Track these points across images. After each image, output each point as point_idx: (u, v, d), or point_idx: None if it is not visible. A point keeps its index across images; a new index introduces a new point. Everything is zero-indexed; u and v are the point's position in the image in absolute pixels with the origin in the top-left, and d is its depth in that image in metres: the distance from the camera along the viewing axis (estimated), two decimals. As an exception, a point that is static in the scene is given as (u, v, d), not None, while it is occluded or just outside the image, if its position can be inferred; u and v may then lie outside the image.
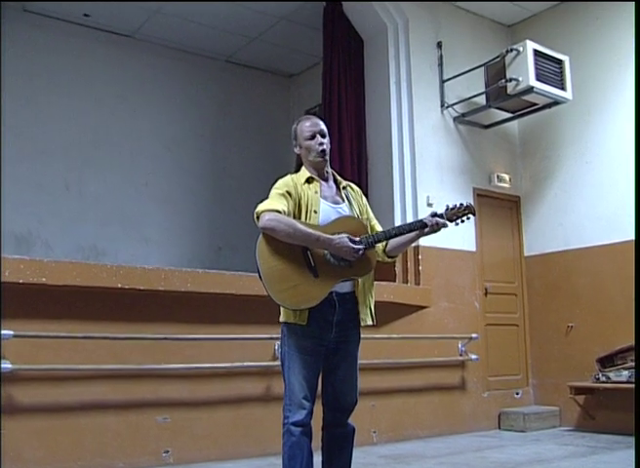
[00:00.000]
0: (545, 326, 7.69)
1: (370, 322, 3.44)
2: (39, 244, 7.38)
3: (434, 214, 3.46)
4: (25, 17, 7.68)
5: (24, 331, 4.69)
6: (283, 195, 3.38)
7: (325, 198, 3.47)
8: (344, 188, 3.60)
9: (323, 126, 3.57)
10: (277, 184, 3.47)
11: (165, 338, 5.29)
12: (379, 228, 3.62)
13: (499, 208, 7.93)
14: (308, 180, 3.48)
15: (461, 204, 3.52)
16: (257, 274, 3.22)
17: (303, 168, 3.58)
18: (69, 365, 4.89)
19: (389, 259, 3.60)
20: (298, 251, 3.26)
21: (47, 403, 4.81)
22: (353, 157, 7.26)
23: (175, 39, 8.57)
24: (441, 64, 7.62)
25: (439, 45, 7.65)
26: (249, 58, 9.21)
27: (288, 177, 3.51)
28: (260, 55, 9.08)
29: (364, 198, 3.71)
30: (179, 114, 8.70)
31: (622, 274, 6.98)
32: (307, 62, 9.22)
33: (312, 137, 3.51)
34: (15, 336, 4.61)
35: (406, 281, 7.01)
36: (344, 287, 3.35)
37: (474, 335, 7.11)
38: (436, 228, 3.41)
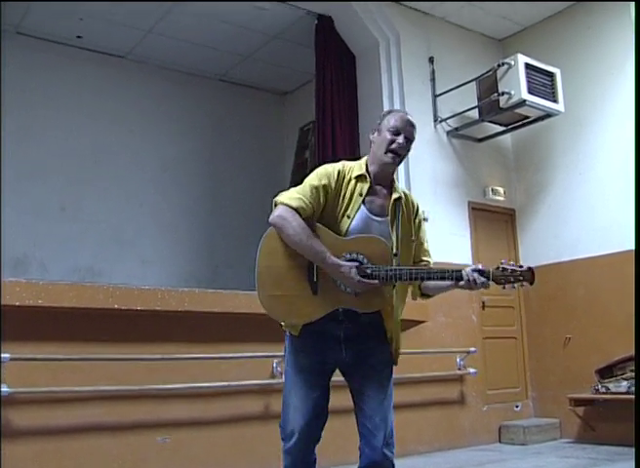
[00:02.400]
0: (543, 338, 7.67)
1: (394, 361, 3.03)
2: (35, 265, 7.36)
3: (477, 270, 2.90)
4: (18, 39, 7.69)
5: (21, 353, 4.66)
6: (317, 188, 2.94)
7: (368, 203, 3.00)
8: (397, 200, 3.06)
9: (414, 133, 3.09)
10: (319, 170, 3.03)
11: (162, 358, 5.25)
12: (428, 258, 3.18)
13: (494, 221, 7.93)
14: (360, 178, 3.02)
15: (520, 266, 2.92)
16: (255, 293, 2.91)
17: (364, 160, 3.12)
18: (66, 387, 4.85)
19: (423, 297, 3.17)
20: (305, 259, 2.88)
21: (45, 425, 4.77)
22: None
23: (168, 59, 8.59)
24: (433, 79, 7.64)
25: (431, 60, 7.68)
26: (242, 77, 9.22)
27: (338, 166, 3.05)
28: (254, 73, 9.09)
29: (420, 216, 3.18)
30: (173, 134, 8.70)
31: (618, 285, 6.97)
32: (300, 79, 9.23)
33: (397, 133, 3.02)
34: (11, 360, 4.57)
35: (403, 296, 6.95)
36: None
37: (472, 349, 7.09)
38: (473, 287, 2.88)
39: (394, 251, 2.97)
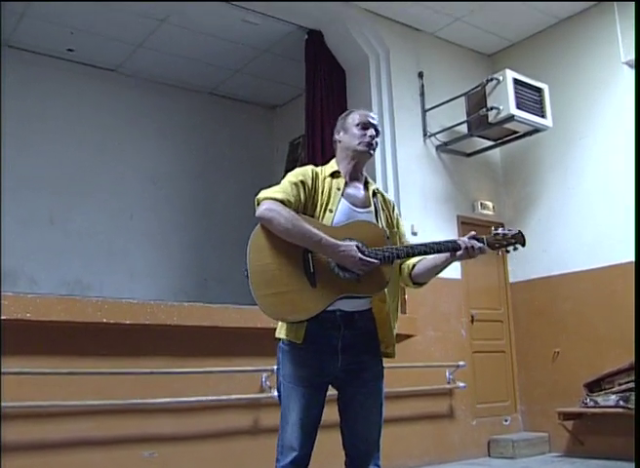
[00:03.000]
0: (532, 352, 7.66)
1: (392, 352, 3.00)
2: (24, 279, 7.32)
3: (472, 237, 2.95)
4: (9, 52, 7.68)
5: (8, 367, 4.61)
6: (295, 184, 2.95)
7: (347, 197, 3.02)
8: (375, 195, 3.13)
9: (378, 126, 3.18)
10: (293, 171, 3.06)
11: (151, 373, 5.20)
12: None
13: (483, 235, 7.87)
14: (334, 175, 3.07)
15: (508, 231, 3.00)
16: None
17: (334, 160, 3.17)
18: (54, 401, 4.81)
19: (414, 286, 3.12)
20: (298, 251, 2.81)
21: (33, 440, 4.73)
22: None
23: (158, 73, 8.60)
24: (423, 94, 7.64)
25: (420, 75, 7.69)
26: (232, 91, 9.24)
27: (309, 167, 3.08)
28: (244, 87, 9.10)
29: (396, 211, 3.23)
30: (163, 147, 8.70)
31: (607, 299, 6.99)
32: (291, 94, 9.24)
33: (365, 127, 3.10)
34: (-1, 374, 4.55)
35: (392, 310, 6.94)
36: (354, 303, 2.89)
37: (461, 363, 7.06)
38: (472, 253, 2.90)
39: (386, 233, 2.99)
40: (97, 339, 5.10)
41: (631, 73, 7.12)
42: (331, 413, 3.03)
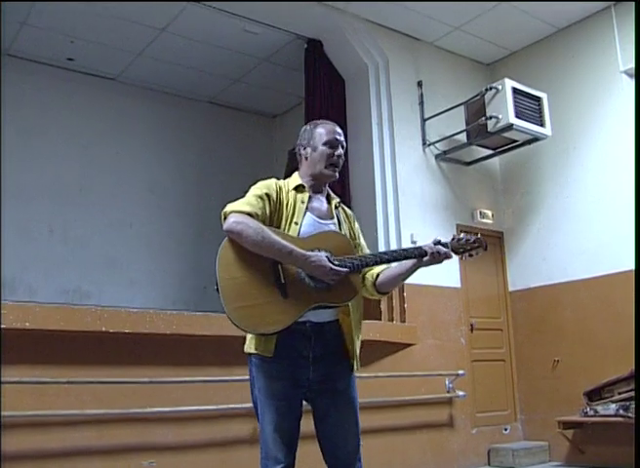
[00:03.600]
0: (532, 360, 7.63)
1: (356, 367, 3.01)
2: (23, 288, 7.30)
3: (437, 242, 3.00)
4: (9, 61, 7.67)
5: (7, 377, 4.59)
6: (260, 197, 2.95)
7: (312, 210, 3.05)
8: (337, 207, 3.18)
9: (344, 142, 3.18)
10: (258, 184, 3.06)
11: (150, 382, 5.18)
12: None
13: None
14: (298, 188, 3.08)
15: (470, 237, 3.07)
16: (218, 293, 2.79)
17: (296, 174, 3.18)
18: (53, 410, 4.78)
19: (378, 295, 3.14)
20: (267, 263, 2.81)
21: (31, 450, 4.69)
22: (336, 195, 7.21)
23: (158, 81, 8.61)
24: (422, 103, 7.64)
25: (419, 84, 7.69)
26: (232, 100, 9.25)
27: (272, 180, 3.09)
28: (244, 96, 9.12)
29: (357, 224, 3.29)
30: (162, 156, 8.69)
31: (606, 307, 6.98)
32: (290, 103, 9.26)
33: (332, 146, 3.10)
34: (-2, 383, 4.53)
35: (392, 319, 6.95)
36: (322, 315, 2.90)
37: (461, 372, 7.04)
38: (437, 258, 2.97)
39: (352, 242, 3.05)
40: (96, 348, 5.08)
41: (630, 82, 7.13)
42: (312, 424, 3.03)
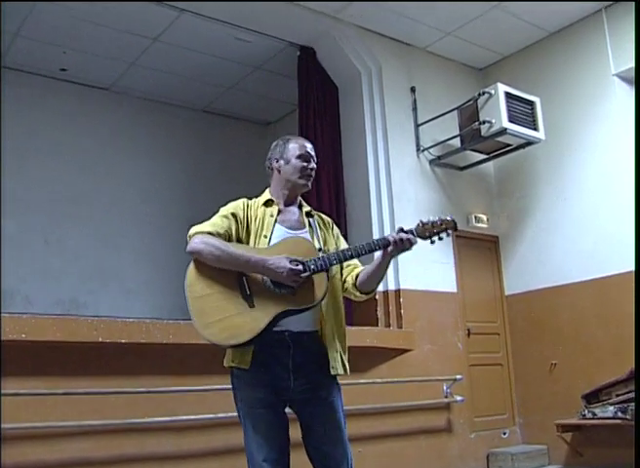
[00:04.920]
0: (529, 364, 7.63)
1: (341, 371, 3.01)
2: (19, 299, 7.28)
3: (400, 230, 3.02)
4: (2, 73, 7.66)
5: (4, 388, 4.56)
6: (225, 217, 3.08)
7: (282, 222, 3.12)
8: (310, 216, 3.25)
9: (314, 157, 3.27)
10: (226, 207, 3.18)
11: (148, 392, 5.17)
12: (355, 262, 3.20)
13: (478, 248, 7.93)
14: (267, 203, 3.18)
15: (439, 217, 3.09)
16: None
17: (267, 191, 3.28)
18: (51, 422, 4.76)
19: (363, 295, 3.15)
20: (232, 277, 2.89)
21: (29, 462, 4.66)
22: (331, 202, 7.23)
23: (151, 91, 8.61)
24: (415, 109, 7.65)
25: (412, 90, 7.70)
26: (225, 108, 9.25)
27: (240, 200, 3.21)
28: (237, 104, 9.13)
29: (336, 229, 3.34)
30: (156, 165, 8.69)
31: (603, 310, 6.98)
32: (284, 110, 9.27)
33: (305, 160, 3.19)
34: (-5, 395, 4.50)
35: (388, 324, 6.93)
36: (301, 324, 2.93)
37: (459, 377, 7.02)
38: (401, 246, 2.96)
39: (318, 246, 3.07)
40: (93, 359, 5.07)
41: (622, 85, 7.15)
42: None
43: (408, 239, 2.97)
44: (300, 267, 2.87)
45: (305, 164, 3.19)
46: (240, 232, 3.07)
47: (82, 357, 5.02)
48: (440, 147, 7.66)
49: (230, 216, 3.09)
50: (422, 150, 7.60)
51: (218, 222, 3.06)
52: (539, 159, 7.70)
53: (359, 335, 6.24)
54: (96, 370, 5.07)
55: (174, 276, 8.32)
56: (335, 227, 3.34)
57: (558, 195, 7.57)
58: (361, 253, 2.98)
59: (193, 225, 3.12)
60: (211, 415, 5.41)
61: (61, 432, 4.82)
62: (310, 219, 3.23)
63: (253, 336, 2.82)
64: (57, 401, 4.83)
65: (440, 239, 3.08)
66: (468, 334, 7.56)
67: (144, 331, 5.21)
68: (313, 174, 3.23)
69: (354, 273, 3.18)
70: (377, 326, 6.88)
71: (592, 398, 6.76)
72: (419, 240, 3.05)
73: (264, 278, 2.89)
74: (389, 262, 3.06)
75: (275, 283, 2.88)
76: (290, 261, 2.87)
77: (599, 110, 7.24)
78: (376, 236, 7.03)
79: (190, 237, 3.02)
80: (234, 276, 2.89)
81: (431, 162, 7.67)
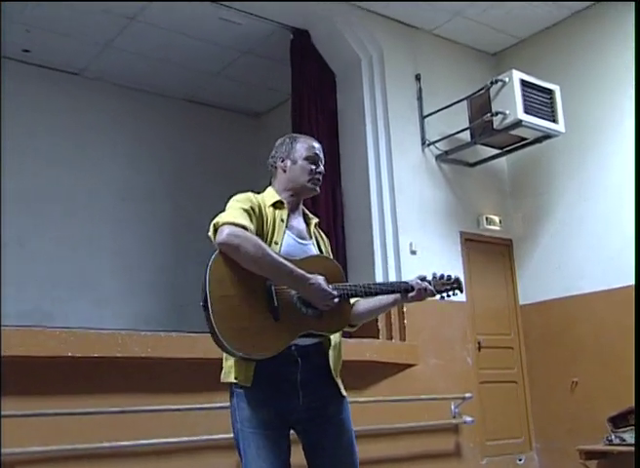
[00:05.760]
0: (547, 382, 7.59)
1: (344, 392, 3.06)
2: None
3: (423, 278, 3.14)
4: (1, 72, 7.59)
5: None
6: (246, 211, 2.98)
7: (291, 229, 3.13)
8: (315, 225, 3.31)
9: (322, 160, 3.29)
10: (239, 197, 3.10)
11: (122, 411, 5.10)
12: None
13: (489, 253, 7.91)
14: (276, 205, 3.14)
15: (449, 276, 3.24)
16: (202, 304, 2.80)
17: (271, 189, 3.25)
18: (11, 448, 4.61)
19: (350, 328, 3.24)
20: (260, 283, 2.86)
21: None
22: (327, 201, 7.21)
23: (128, 77, 8.57)
24: (420, 98, 7.65)
25: (417, 77, 7.70)
26: (211, 97, 9.25)
27: (251, 194, 3.15)
28: (223, 92, 9.12)
29: (329, 248, 3.37)
30: (134, 160, 8.67)
31: (629, 321, 6.82)
32: (275, 100, 9.27)
33: (314, 162, 3.21)
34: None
35: (390, 337, 6.92)
36: (306, 338, 2.96)
37: (468, 395, 6.97)
38: (424, 295, 3.10)
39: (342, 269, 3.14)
40: (60, 376, 4.99)
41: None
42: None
43: (431, 291, 3.13)
44: (336, 292, 2.92)
45: (314, 167, 3.21)
46: (256, 231, 2.99)
47: (48, 374, 4.93)
48: (447, 141, 7.66)
49: (250, 211, 3.01)
50: (428, 144, 7.61)
51: (245, 215, 2.96)
52: (557, 154, 7.67)
53: (358, 349, 6.21)
54: (63, 388, 4.98)
55: (153, 283, 8.41)
56: (329, 246, 3.38)
57: (579, 194, 7.54)
58: (383, 291, 3.13)
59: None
60: (194, 438, 5.38)
61: (23, 459, 4.71)
62: (314, 231, 3.29)
63: (272, 355, 2.82)
64: (19, 424, 4.71)
65: (448, 296, 3.24)
66: (479, 348, 7.53)
67: (120, 344, 5.17)
68: (321, 178, 3.25)
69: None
70: (377, 338, 6.86)
71: (620, 421, 6.67)
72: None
73: (293, 293, 2.90)
74: (396, 305, 3.26)
75: (303, 301, 2.91)
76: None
77: (626, 100, 7.19)
78: (376, 239, 7.14)
79: (217, 226, 2.90)
80: (262, 282, 2.87)
81: (438, 157, 7.67)
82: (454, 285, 3.22)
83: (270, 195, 3.19)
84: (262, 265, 2.82)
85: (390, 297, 3.15)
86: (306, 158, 3.20)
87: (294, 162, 3.20)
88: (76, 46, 7.82)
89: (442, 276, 3.21)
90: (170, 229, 8.70)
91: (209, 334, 2.78)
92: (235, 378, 2.94)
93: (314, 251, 3.15)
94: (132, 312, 8.10)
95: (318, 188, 3.24)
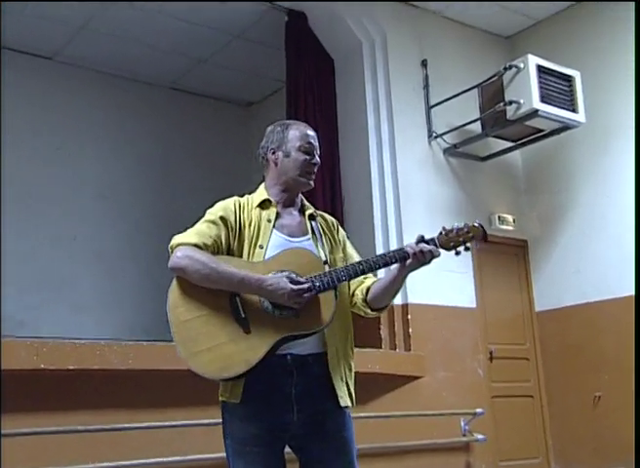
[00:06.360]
0: (567, 396, 7.57)
1: (347, 401, 3.03)
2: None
3: (421, 240, 3.01)
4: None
5: None
6: (213, 222, 3.03)
7: (280, 228, 3.11)
8: (312, 218, 3.24)
9: (318, 148, 3.26)
10: (212, 208, 3.15)
11: (101, 429, 5.08)
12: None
13: (502, 255, 7.93)
14: (263, 204, 3.15)
15: (464, 223, 3.08)
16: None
17: (262, 187, 3.26)
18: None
19: (373, 313, 3.19)
20: (224, 297, 2.88)
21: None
22: (325, 199, 7.22)
23: (106, 62, 8.57)
24: (427, 86, 7.67)
25: (424, 63, 7.72)
26: (198, 85, 9.27)
27: (231, 200, 3.17)
28: (212, 80, 9.15)
29: (341, 232, 3.35)
30: (115, 154, 8.67)
31: (656, 330, 6.91)
32: (268, 88, 9.32)
33: (308, 152, 3.17)
34: None
35: (394, 347, 6.93)
36: (306, 346, 2.94)
37: (479, 410, 6.98)
38: (422, 259, 2.96)
39: (324, 258, 3.08)
40: (32, 390, 4.95)
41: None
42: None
43: (430, 251, 2.96)
44: (305, 285, 2.86)
45: (308, 157, 3.18)
46: (231, 241, 3.05)
47: (19, 388, 4.87)
48: (456, 133, 7.68)
49: (219, 221, 3.04)
50: (435, 137, 7.64)
51: (204, 230, 3.01)
52: (577, 147, 7.67)
53: (359, 359, 6.01)
54: (36, 404, 4.95)
55: (136, 288, 8.36)
56: (340, 230, 3.34)
57: (600, 191, 7.53)
58: (374, 267, 3.00)
59: (175, 234, 3.06)
60: (180, 458, 5.35)
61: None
62: (313, 223, 3.22)
63: (248, 369, 2.81)
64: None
65: (467, 250, 3.08)
66: (491, 359, 7.53)
67: (98, 356, 5.14)
68: (316, 170, 3.22)
69: (364, 286, 3.17)
70: (380, 348, 6.88)
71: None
72: (441, 251, 3.04)
73: (262, 299, 2.89)
74: (406, 277, 3.06)
75: (275, 304, 2.88)
76: (291, 280, 2.86)
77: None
78: (378, 240, 7.16)
79: (172, 249, 2.96)
80: (226, 296, 2.88)
81: (446, 151, 7.70)
82: (467, 234, 3.05)
83: (259, 194, 3.21)
84: (212, 280, 2.86)
85: (394, 271, 3.05)
86: (300, 148, 3.17)
87: (286, 154, 3.18)
88: (48, 27, 7.78)
89: (452, 229, 3.05)
90: (153, 228, 8.67)
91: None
92: (221, 396, 2.98)
93: (308, 246, 3.10)
94: (114, 320, 8.11)
95: (312, 182, 3.22)
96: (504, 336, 7.71)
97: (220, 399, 2.99)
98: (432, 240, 3.01)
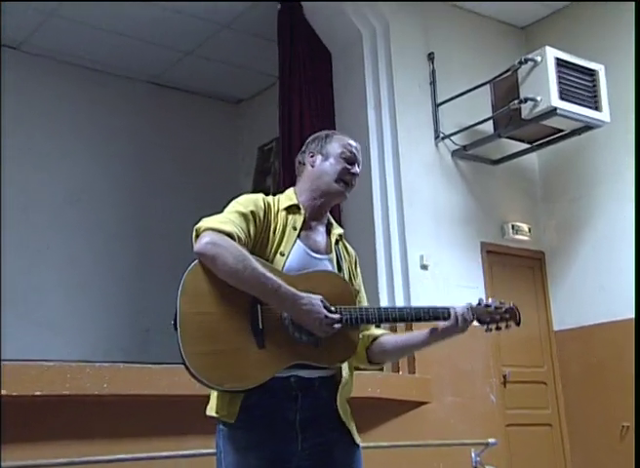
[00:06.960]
0: (590, 426, 7.51)
1: (358, 439, 3.00)
2: None
3: (470, 307, 3.05)
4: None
5: None
6: (244, 215, 2.95)
7: (304, 239, 3.07)
8: (337, 242, 3.21)
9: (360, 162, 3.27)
10: (242, 198, 3.09)
11: (70, 463, 4.98)
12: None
13: (516, 268, 7.92)
14: (291, 209, 3.11)
15: (502, 302, 3.14)
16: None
17: (291, 191, 3.22)
18: None
19: (368, 365, 3.20)
20: (245, 301, 2.83)
21: None
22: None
23: (79, 53, 8.58)
24: (433, 82, 7.67)
25: (430, 57, 7.72)
26: (182, 79, 9.32)
27: (259, 195, 3.12)
28: (198, 74, 9.19)
29: (359, 268, 3.31)
30: (88, 154, 8.67)
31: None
32: (260, 83, 9.36)
33: (350, 161, 3.16)
34: None
35: (397, 369, 6.90)
36: (314, 370, 2.93)
37: (492, 441, 6.86)
38: (462, 327, 2.99)
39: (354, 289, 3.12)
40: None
41: None
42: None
43: (472, 320, 3.02)
44: (337, 316, 2.84)
45: (348, 166, 3.15)
46: (256, 240, 2.99)
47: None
48: (466, 134, 7.67)
49: (249, 216, 2.97)
50: (443, 138, 7.64)
51: (236, 221, 2.92)
52: (600, 149, 7.66)
53: (357, 383, 6.02)
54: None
55: (110, 303, 8.31)
56: (358, 265, 3.32)
57: (625, 198, 7.46)
58: (407, 318, 3.03)
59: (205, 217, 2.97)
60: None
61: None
62: (336, 247, 3.20)
63: (252, 386, 2.77)
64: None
65: (497, 329, 3.13)
66: (504, 383, 7.50)
67: (69, 380, 5.04)
68: (354, 182, 3.19)
69: (370, 334, 3.17)
70: (381, 370, 6.74)
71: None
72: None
73: (285, 315, 2.84)
74: (431, 344, 3.12)
75: (296, 324, 2.84)
76: (324, 306, 2.84)
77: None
78: (380, 251, 7.16)
79: (199, 232, 2.87)
80: (247, 301, 2.83)
81: (454, 153, 7.70)
82: (505, 315, 3.09)
83: (287, 197, 3.18)
84: (242, 279, 2.78)
85: (422, 332, 3.07)
86: (342, 154, 3.17)
87: (325, 157, 3.18)
88: (12, 14, 7.69)
89: (490, 305, 3.09)
90: (130, 236, 8.72)
91: (178, 366, 2.75)
92: (216, 413, 2.90)
93: (328, 266, 3.08)
94: (86, 340, 8.09)
95: (347, 193, 3.19)
96: (520, 358, 7.68)
97: (216, 415, 2.91)
98: (471, 308, 3.04)
